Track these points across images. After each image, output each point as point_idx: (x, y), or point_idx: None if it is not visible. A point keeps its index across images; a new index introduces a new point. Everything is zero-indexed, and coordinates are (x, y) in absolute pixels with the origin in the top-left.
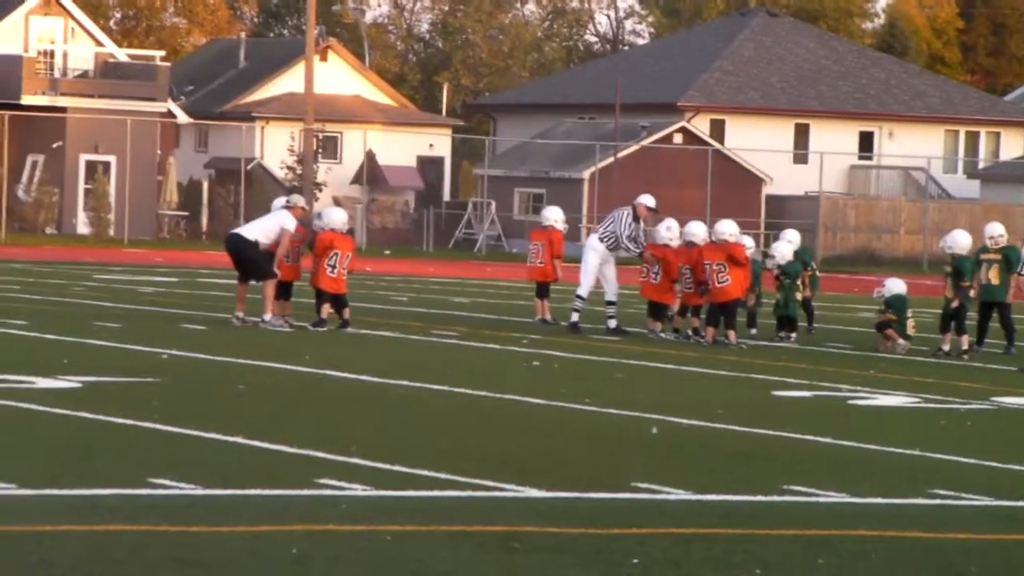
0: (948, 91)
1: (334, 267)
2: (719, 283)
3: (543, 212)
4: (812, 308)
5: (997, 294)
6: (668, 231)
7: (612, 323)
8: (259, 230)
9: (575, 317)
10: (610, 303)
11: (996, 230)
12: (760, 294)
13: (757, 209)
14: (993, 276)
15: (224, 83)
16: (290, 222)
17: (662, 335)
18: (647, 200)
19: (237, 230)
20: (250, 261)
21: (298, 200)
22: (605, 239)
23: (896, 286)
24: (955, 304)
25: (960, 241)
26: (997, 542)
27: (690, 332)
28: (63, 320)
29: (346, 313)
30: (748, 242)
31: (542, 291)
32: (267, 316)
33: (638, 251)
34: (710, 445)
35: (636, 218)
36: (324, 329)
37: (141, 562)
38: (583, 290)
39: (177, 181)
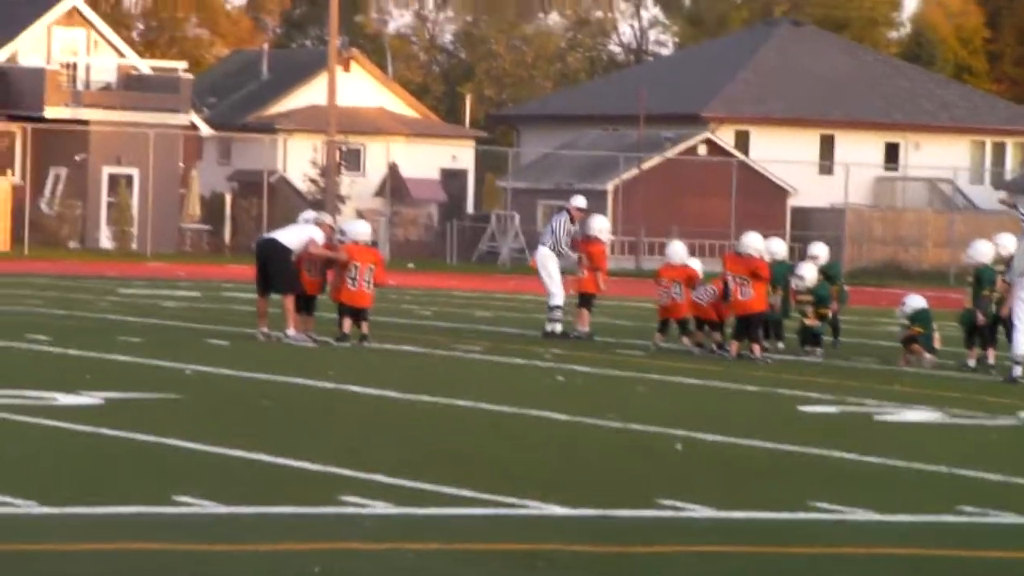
0: (974, 101)
1: (354, 280)
2: (742, 297)
3: (588, 221)
4: (838, 322)
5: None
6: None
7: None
8: (291, 239)
9: (558, 327)
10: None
11: (1002, 241)
12: (788, 302)
13: (782, 221)
14: (1001, 287)
15: (246, 94)
16: (319, 236)
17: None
18: (578, 202)
19: (272, 234)
20: (279, 269)
21: (327, 218)
22: (553, 247)
23: (917, 301)
24: (981, 320)
25: (982, 250)
26: None
27: (714, 346)
28: (86, 335)
29: (364, 327)
30: (778, 247)
31: (582, 302)
32: (290, 331)
33: (574, 253)
34: (735, 461)
35: (572, 220)
36: (347, 344)
37: None
38: (555, 299)
39: (199, 194)
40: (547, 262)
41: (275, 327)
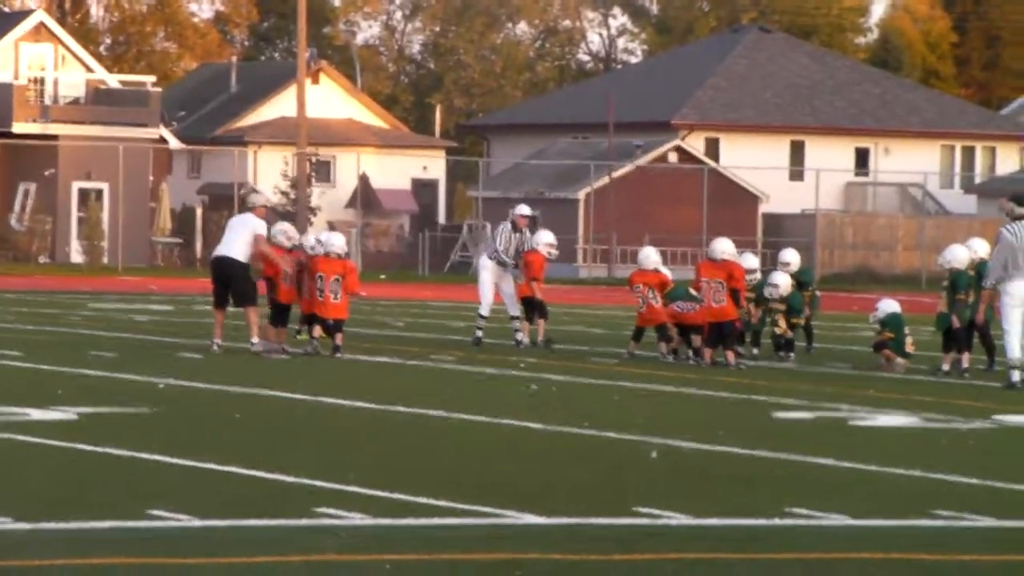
0: (943, 105)
1: (321, 291)
2: (715, 302)
3: (535, 235)
4: (812, 328)
5: (974, 310)
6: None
7: (519, 336)
8: (241, 248)
9: (479, 334)
10: (514, 318)
11: (975, 245)
12: (765, 312)
13: (754, 227)
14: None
15: (215, 108)
16: (260, 225)
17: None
18: (522, 210)
19: (223, 252)
20: (238, 286)
21: (259, 199)
22: (492, 256)
23: (890, 306)
24: (956, 325)
25: (958, 255)
26: (1001, 563)
27: (690, 353)
28: (58, 350)
29: (338, 339)
30: (751, 262)
31: (533, 311)
32: (254, 340)
33: (513, 263)
34: (710, 468)
35: (516, 229)
36: (311, 348)
37: None
38: (482, 308)
39: (170, 207)
40: (481, 271)
41: (241, 339)
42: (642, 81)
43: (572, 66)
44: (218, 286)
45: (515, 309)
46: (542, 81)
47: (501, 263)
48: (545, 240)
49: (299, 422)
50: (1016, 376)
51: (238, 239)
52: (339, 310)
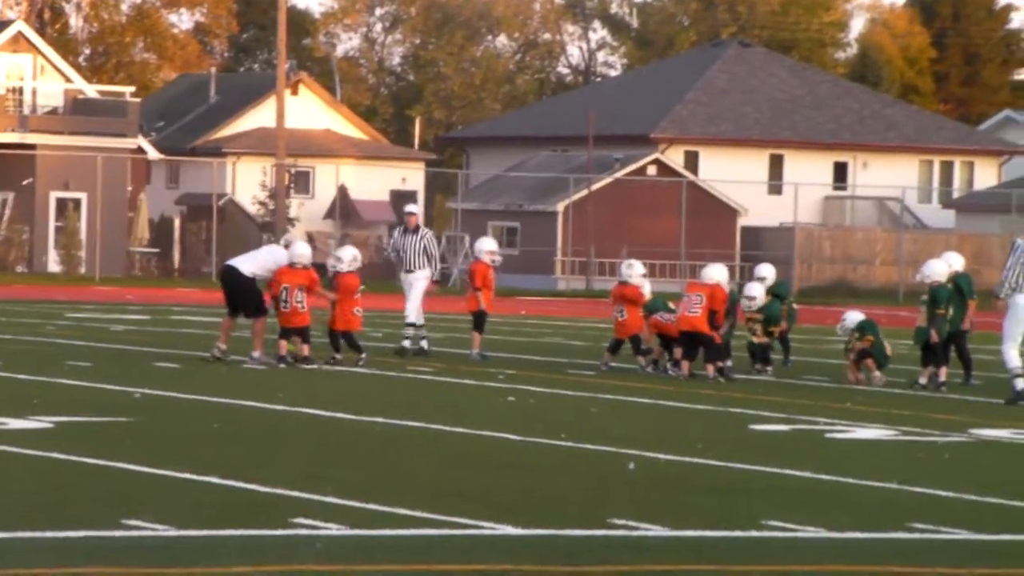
0: (922, 121)
1: (286, 302)
2: (689, 312)
3: (476, 243)
4: (789, 341)
5: (952, 324)
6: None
7: (405, 343)
8: (254, 264)
9: (404, 343)
10: (408, 324)
11: (950, 259)
12: (734, 325)
13: (732, 241)
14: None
15: (195, 118)
16: (284, 262)
17: (647, 370)
18: (409, 208)
19: (233, 262)
20: (244, 296)
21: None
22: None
23: (857, 316)
24: (935, 339)
25: (937, 269)
26: None
27: (668, 365)
28: (34, 359)
29: (305, 349)
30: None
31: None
32: (255, 353)
33: (395, 256)
34: (687, 480)
35: (407, 230)
36: (284, 366)
37: None
38: (407, 317)
39: (148, 218)
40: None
41: (242, 351)
42: (622, 95)
43: (552, 79)
44: (226, 295)
45: (413, 317)
46: (522, 94)
47: (395, 260)
48: (487, 248)
49: (277, 433)
50: (1021, 384)
51: (250, 258)
52: (304, 318)
